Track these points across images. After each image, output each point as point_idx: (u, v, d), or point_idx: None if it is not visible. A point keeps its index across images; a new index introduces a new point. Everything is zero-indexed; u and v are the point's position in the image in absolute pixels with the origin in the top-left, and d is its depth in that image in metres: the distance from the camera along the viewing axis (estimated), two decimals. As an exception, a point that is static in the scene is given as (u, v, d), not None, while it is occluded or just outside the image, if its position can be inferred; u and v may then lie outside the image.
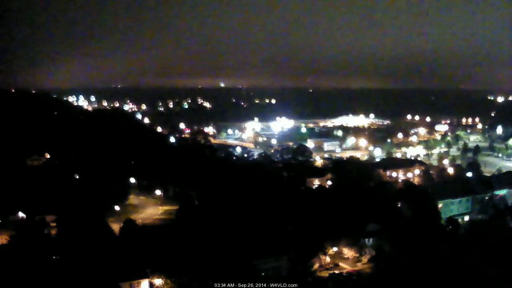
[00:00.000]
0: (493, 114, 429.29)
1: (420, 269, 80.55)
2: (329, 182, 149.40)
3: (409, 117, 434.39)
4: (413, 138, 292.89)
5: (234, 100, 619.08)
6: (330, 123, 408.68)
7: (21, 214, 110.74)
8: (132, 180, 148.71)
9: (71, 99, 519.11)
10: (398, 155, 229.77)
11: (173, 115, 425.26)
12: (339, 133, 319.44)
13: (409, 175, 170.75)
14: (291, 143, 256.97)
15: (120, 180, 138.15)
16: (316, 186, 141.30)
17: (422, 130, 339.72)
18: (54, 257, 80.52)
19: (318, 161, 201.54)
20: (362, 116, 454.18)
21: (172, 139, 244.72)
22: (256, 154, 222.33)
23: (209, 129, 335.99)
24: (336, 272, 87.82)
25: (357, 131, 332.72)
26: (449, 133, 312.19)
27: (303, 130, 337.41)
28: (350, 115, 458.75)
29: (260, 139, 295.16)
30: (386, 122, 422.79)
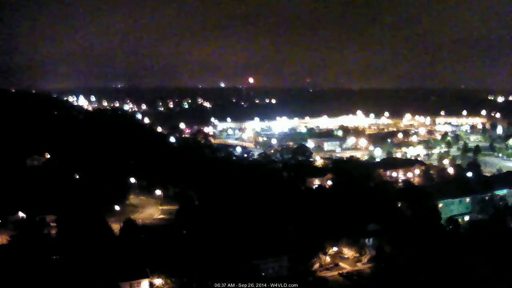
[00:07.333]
0: (493, 114, 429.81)
1: (420, 269, 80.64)
2: (329, 182, 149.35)
3: (409, 117, 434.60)
4: (413, 138, 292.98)
5: (234, 100, 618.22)
6: (330, 123, 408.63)
7: (21, 214, 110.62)
8: (132, 180, 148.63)
9: (71, 99, 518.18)
10: (398, 155, 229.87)
11: (173, 115, 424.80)
12: (339, 133, 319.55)
13: (409, 175, 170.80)
14: (291, 143, 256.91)
15: (120, 180, 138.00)
16: (316, 186, 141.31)
17: (422, 130, 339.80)
18: (54, 257, 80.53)
19: (318, 161, 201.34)
20: (362, 116, 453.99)
21: (172, 139, 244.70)
22: (256, 154, 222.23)
23: (209, 129, 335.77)
24: (336, 272, 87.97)
25: (357, 131, 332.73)
26: (449, 133, 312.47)
27: (303, 130, 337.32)
28: (350, 115, 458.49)
29: (260, 139, 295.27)
30: (387, 122, 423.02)
